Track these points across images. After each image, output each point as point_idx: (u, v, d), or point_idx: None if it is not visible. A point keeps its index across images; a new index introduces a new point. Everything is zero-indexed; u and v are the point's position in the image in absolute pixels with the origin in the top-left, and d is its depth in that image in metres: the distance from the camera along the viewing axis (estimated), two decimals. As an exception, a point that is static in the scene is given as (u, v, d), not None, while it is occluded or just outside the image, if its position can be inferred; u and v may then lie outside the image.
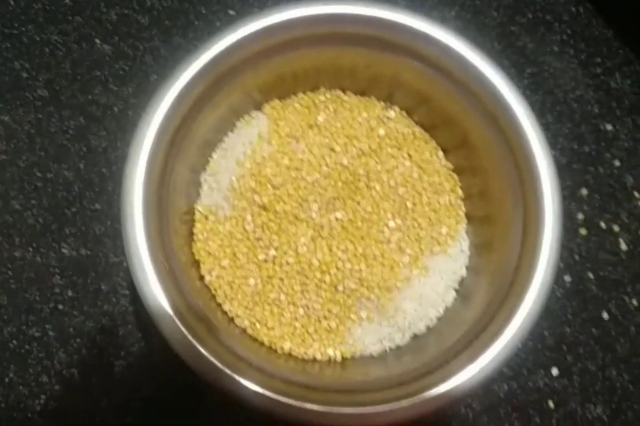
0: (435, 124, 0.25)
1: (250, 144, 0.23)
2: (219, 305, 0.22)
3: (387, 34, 0.21)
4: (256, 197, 0.22)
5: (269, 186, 0.23)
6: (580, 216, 0.29)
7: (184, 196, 0.22)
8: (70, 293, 0.26)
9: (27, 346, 0.26)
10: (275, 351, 0.23)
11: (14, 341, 0.26)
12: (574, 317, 0.27)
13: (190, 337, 0.18)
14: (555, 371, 0.27)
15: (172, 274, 0.19)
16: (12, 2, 0.28)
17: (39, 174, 0.27)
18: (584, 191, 0.29)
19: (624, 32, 0.31)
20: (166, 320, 0.18)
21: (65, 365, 0.26)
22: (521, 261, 0.21)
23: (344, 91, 0.25)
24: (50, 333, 0.26)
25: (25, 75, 0.27)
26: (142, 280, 0.18)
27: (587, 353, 0.27)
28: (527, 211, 0.21)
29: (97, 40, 0.28)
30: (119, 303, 0.26)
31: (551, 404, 0.26)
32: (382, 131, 0.25)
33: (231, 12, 0.29)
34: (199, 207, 0.23)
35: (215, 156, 0.23)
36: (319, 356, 0.23)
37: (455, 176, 0.25)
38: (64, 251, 0.26)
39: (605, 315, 0.27)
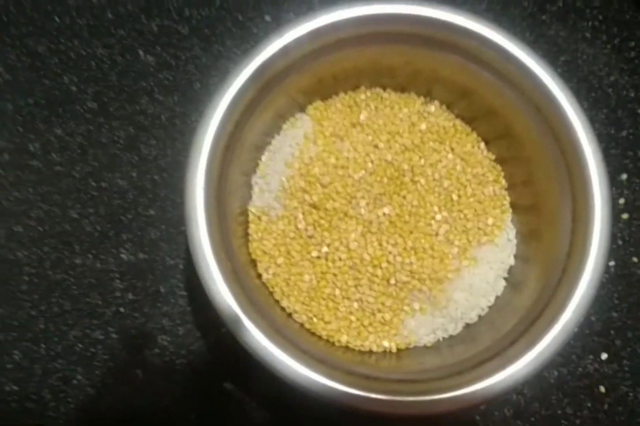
0: (476, 116, 0.26)
1: (297, 145, 0.24)
2: (277, 302, 0.23)
3: (427, 30, 0.22)
4: (306, 197, 0.23)
5: (317, 185, 0.24)
6: (621, 201, 0.29)
7: (238, 199, 0.23)
8: (130, 296, 0.28)
9: (92, 349, 0.27)
10: (333, 344, 0.24)
11: (80, 345, 0.27)
12: (620, 302, 0.28)
13: (257, 331, 0.19)
14: (604, 356, 0.27)
15: (234, 273, 0.21)
16: (58, 19, 0.29)
17: (93, 184, 0.28)
18: (624, 176, 0.30)
19: None
20: (232, 316, 0.19)
21: (130, 366, 0.27)
22: (572, 248, 0.21)
23: (384, 89, 0.26)
24: (114, 335, 0.27)
25: (74, 88, 0.29)
26: (208, 279, 0.19)
27: (636, 337, 0.27)
28: (575, 198, 0.22)
29: (141, 52, 0.29)
30: (178, 303, 0.28)
31: (602, 389, 0.27)
32: (423, 126, 0.25)
33: (267, 18, 0.30)
34: (252, 208, 0.24)
35: (264, 158, 0.24)
36: (375, 348, 0.24)
37: (498, 166, 0.26)
38: (122, 256, 0.28)
39: None
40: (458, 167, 0.25)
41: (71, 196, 0.28)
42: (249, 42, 0.30)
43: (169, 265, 0.28)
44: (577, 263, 0.20)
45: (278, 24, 0.30)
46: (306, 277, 0.23)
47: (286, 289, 0.23)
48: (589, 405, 0.27)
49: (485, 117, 0.25)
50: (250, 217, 0.24)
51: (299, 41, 0.21)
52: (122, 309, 0.28)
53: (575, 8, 0.32)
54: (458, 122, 0.26)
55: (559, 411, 0.27)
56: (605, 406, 0.27)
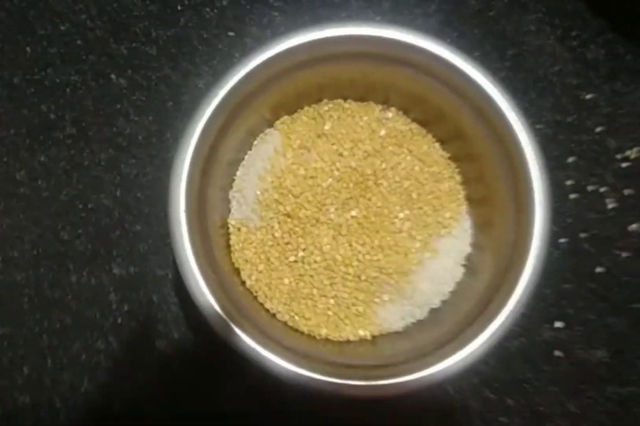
0: (430, 120, 0.28)
1: (268, 159, 0.27)
2: (261, 304, 0.26)
3: (382, 49, 0.25)
4: (280, 208, 0.26)
5: (290, 196, 0.26)
6: (569, 182, 0.32)
7: (218, 213, 0.26)
8: (126, 307, 0.30)
9: (95, 358, 0.30)
10: (314, 338, 0.26)
11: (83, 355, 0.30)
12: (572, 274, 0.31)
13: (239, 332, 0.22)
14: (559, 324, 0.31)
15: (218, 282, 0.23)
16: (29, 49, 0.31)
17: (80, 206, 0.30)
18: (571, 159, 0.32)
19: (593, 2, 0.34)
20: (217, 320, 0.22)
21: (131, 370, 0.30)
22: (518, 235, 0.24)
23: (344, 99, 0.28)
24: (114, 344, 0.30)
25: (52, 116, 0.31)
26: (195, 290, 0.22)
27: (587, 305, 0.31)
28: (518, 190, 0.24)
29: (113, 76, 0.31)
30: (170, 310, 0.30)
31: (558, 353, 0.30)
32: (382, 132, 0.28)
33: (231, 34, 0.32)
34: (231, 221, 0.26)
35: (239, 173, 0.27)
36: (352, 338, 0.26)
37: (452, 164, 0.28)
38: (115, 271, 0.30)
39: (599, 269, 0.31)
40: (416, 168, 0.27)
41: (61, 219, 0.30)
42: (216, 58, 0.32)
43: (159, 276, 0.30)
44: (522, 250, 0.23)
45: (241, 38, 0.32)
46: (286, 280, 0.26)
47: (268, 293, 0.26)
48: (547, 368, 0.30)
49: (439, 120, 0.28)
50: (231, 229, 0.26)
51: (260, 67, 0.23)
52: (119, 320, 0.30)
53: (519, 2, 0.34)
54: (414, 126, 0.28)
55: (521, 376, 0.30)
56: (561, 368, 0.30)
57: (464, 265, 0.27)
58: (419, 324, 0.27)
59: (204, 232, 0.23)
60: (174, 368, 0.30)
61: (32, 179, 0.30)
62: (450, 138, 0.28)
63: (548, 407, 0.30)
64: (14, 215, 0.30)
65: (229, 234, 0.26)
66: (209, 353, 0.30)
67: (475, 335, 0.23)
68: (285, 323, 0.26)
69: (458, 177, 0.28)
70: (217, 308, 0.22)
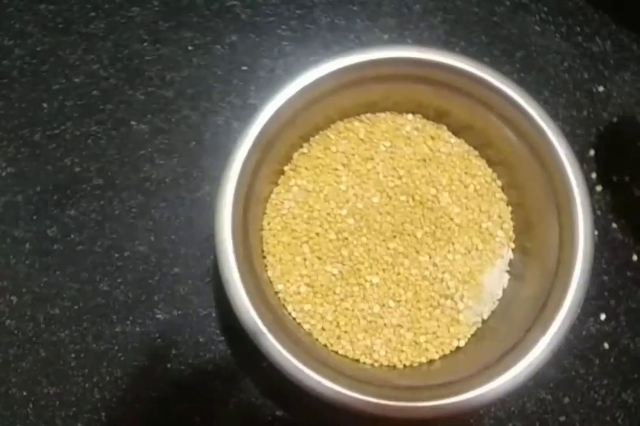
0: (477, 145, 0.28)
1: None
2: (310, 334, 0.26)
3: (420, 71, 0.25)
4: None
5: (332, 232, 0.26)
6: (593, 175, 0.33)
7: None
8: (174, 351, 0.30)
9: (149, 407, 0.29)
10: (365, 363, 0.26)
11: (137, 405, 0.30)
12: (609, 265, 0.32)
13: (284, 351, 0.22)
14: (603, 317, 0.31)
15: (268, 309, 0.23)
16: (46, 105, 0.31)
17: (116, 255, 0.30)
18: (592, 152, 0.33)
19: None
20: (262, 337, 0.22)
21: (189, 415, 0.29)
22: (562, 239, 0.24)
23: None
24: (167, 390, 0.29)
25: (77, 169, 0.31)
26: (249, 322, 0.22)
27: (626, 294, 0.31)
28: (557, 194, 0.25)
29: (133, 122, 0.31)
30: (218, 348, 0.30)
31: (606, 345, 0.31)
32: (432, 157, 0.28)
33: (244, 68, 0.32)
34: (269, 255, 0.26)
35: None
36: (409, 363, 0.26)
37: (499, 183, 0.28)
38: (158, 316, 0.30)
39: (634, 257, 0.32)
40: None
41: (98, 271, 0.30)
42: (232, 93, 0.32)
43: (202, 316, 0.30)
44: (569, 253, 0.24)
45: (255, 71, 0.32)
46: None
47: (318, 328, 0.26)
48: (597, 361, 0.30)
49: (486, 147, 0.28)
50: (269, 260, 0.27)
51: (294, 97, 0.24)
52: (169, 365, 0.30)
53: (521, 4, 0.35)
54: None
55: (573, 373, 0.30)
56: (612, 360, 0.30)
57: (509, 272, 0.28)
58: (473, 338, 0.27)
59: (251, 266, 0.23)
60: (229, 408, 0.29)
61: (64, 235, 0.30)
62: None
63: (604, 400, 0.30)
64: (50, 272, 0.30)
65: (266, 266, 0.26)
66: (261, 387, 0.29)
67: (535, 342, 0.23)
68: (332, 351, 0.26)
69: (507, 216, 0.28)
70: (273, 341, 0.22)
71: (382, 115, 0.28)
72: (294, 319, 0.26)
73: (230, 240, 0.22)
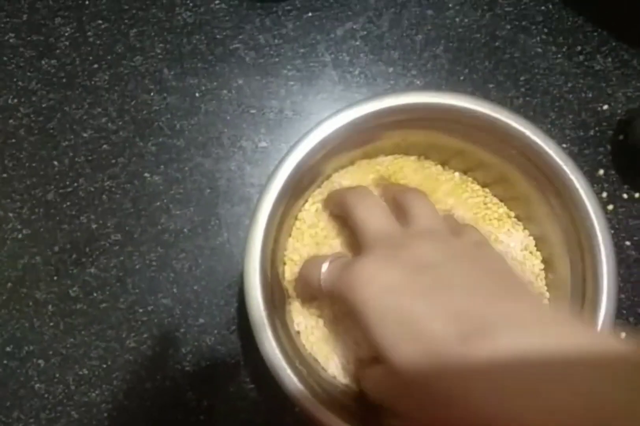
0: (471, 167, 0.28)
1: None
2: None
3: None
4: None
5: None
6: (604, 195, 0.33)
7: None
8: (205, 403, 0.30)
9: (187, 463, 0.29)
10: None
11: (173, 461, 0.29)
12: (625, 283, 0.32)
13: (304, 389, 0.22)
14: (623, 335, 0.30)
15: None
16: (57, 163, 0.31)
17: (140, 310, 0.30)
18: (601, 171, 0.34)
19: (591, 15, 0.35)
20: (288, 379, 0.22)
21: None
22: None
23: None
24: (203, 445, 0.29)
25: (94, 226, 0.31)
26: (282, 375, 0.22)
27: None
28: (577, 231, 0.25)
29: (146, 174, 0.31)
30: (249, 396, 0.30)
31: None
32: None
33: (252, 111, 0.32)
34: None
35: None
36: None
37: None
38: (187, 368, 0.30)
39: None
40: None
41: (123, 327, 0.30)
42: (242, 138, 0.32)
43: (230, 365, 0.30)
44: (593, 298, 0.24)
45: (263, 113, 0.32)
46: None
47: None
48: None
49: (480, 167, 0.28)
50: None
51: (318, 147, 0.24)
52: (202, 417, 0.30)
53: (522, 27, 0.35)
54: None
55: None
56: None
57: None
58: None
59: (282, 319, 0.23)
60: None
61: (86, 293, 0.30)
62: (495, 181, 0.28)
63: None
64: (75, 333, 0.30)
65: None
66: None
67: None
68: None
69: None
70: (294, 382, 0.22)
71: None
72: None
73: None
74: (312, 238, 0.27)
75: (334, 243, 0.27)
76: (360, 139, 0.26)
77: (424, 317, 0.18)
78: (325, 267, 0.22)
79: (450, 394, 0.17)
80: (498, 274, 0.21)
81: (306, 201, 0.27)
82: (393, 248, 0.21)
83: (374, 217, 0.23)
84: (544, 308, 0.20)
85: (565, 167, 0.25)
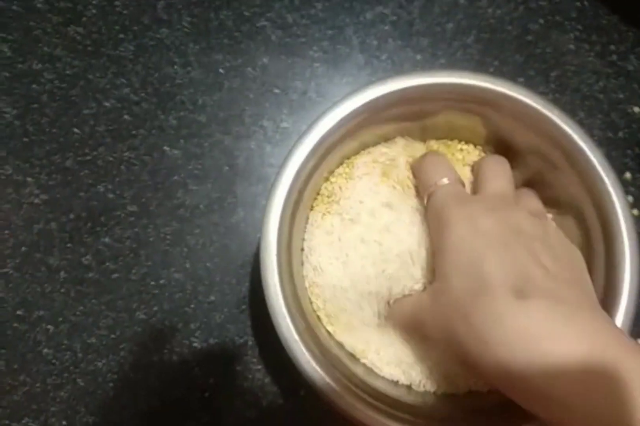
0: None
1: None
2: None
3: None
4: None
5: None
6: (630, 199, 0.33)
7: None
8: (211, 380, 0.30)
9: (188, 435, 0.29)
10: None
11: (175, 435, 0.29)
12: None
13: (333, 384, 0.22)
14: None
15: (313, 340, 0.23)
16: (78, 130, 0.31)
17: (152, 283, 0.30)
18: (628, 175, 0.33)
19: (628, 14, 0.35)
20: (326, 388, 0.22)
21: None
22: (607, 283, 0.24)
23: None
24: (204, 418, 0.29)
25: (111, 195, 0.30)
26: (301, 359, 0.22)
27: None
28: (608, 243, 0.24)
29: (166, 147, 0.31)
30: (255, 377, 0.30)
31: None
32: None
33: (276, 91, 0.32)
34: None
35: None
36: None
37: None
38: (195, 345, 0.30)
39: None
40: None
41: (134, 299, 0.30)
42: (264, 117, 0.32)
43: (239, 344, 0.31)
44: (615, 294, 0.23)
45: (287, 93, 0.32)
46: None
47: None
48: None
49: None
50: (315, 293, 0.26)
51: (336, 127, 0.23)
52: (206, 394, 0.30)
53: (555, 23, 0.35)
54: None
55: None
56: None
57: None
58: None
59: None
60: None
61: (99, 263, 0.30)
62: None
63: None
64: (86, 301, 0.30)
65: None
66: (298, 416, 0.30)
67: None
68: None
69: None
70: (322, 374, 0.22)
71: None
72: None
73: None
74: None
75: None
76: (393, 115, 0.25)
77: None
78: (444, 181, 0.24)
79: None
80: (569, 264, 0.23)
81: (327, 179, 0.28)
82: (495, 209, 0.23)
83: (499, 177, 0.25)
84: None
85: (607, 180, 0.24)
